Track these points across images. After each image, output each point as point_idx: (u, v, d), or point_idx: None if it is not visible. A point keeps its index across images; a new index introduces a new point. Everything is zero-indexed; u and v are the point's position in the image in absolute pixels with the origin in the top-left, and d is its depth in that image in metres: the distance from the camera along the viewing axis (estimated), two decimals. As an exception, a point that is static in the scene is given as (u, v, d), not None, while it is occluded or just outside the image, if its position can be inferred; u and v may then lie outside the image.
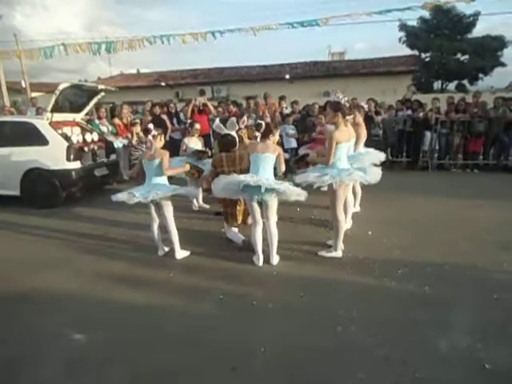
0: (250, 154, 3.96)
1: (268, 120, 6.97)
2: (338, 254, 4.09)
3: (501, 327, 2.79)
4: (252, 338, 2.76)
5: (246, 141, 5.43)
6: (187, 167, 4.45)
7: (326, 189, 4.02)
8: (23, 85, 19.01)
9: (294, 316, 3.03)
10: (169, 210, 4.14)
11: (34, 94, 16.87)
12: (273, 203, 3.89)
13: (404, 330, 2.79)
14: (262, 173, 3.81)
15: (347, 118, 4.04)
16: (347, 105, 4.09)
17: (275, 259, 3.99)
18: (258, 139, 3.99)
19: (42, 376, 2.49)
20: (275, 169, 4.00)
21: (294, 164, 4.72)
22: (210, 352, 2.63)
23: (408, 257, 4.03)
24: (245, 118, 6.33)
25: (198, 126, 6.30)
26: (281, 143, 7.91)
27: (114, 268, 4.03)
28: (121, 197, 3.99)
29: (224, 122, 5.20)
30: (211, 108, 9.35)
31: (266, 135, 3.95)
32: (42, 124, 6.49)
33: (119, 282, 3.70)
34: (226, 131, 4.80)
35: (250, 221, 4.57)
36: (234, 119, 5.10)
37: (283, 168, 4.01)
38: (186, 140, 6.15)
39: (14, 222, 5.80)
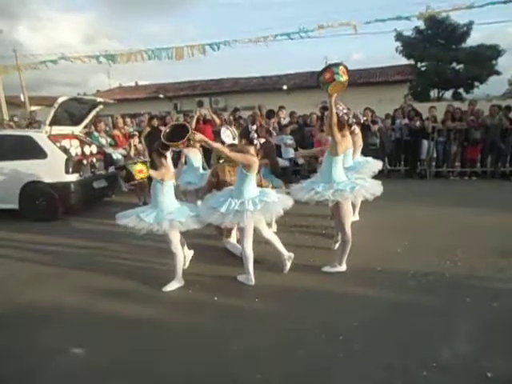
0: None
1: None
2: (343, 268, 3.99)
3: (502, 335, 2.78)
4: (254, 352, 2.73)
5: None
6: None
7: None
8: (22, 99, 19.15)
9: (295, 327, 3.00)
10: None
11: (33, 108, 16.97)
12: (262, 218, 3.71)
13: (405, 339, 2.77)
14: (253, 187, 3.71)
15: (353, 129, 4.06)
16: (345, 118, 4.02)
17: (288, 263, 3.93)
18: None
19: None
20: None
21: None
22: (211, 367, 2.61)
23: (408, 265, 4.01)
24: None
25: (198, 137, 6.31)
26: (279, 153, 7.98)
27: (112, 282, 4.01)
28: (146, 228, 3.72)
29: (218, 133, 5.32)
30: (216, 119, 9.38)
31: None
32: (40, 137, 6.51)
33: (117, 297, 3.67)
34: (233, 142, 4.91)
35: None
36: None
37: None
38: (185, 150, 6.15)
39: (13, 235, 5.77)
